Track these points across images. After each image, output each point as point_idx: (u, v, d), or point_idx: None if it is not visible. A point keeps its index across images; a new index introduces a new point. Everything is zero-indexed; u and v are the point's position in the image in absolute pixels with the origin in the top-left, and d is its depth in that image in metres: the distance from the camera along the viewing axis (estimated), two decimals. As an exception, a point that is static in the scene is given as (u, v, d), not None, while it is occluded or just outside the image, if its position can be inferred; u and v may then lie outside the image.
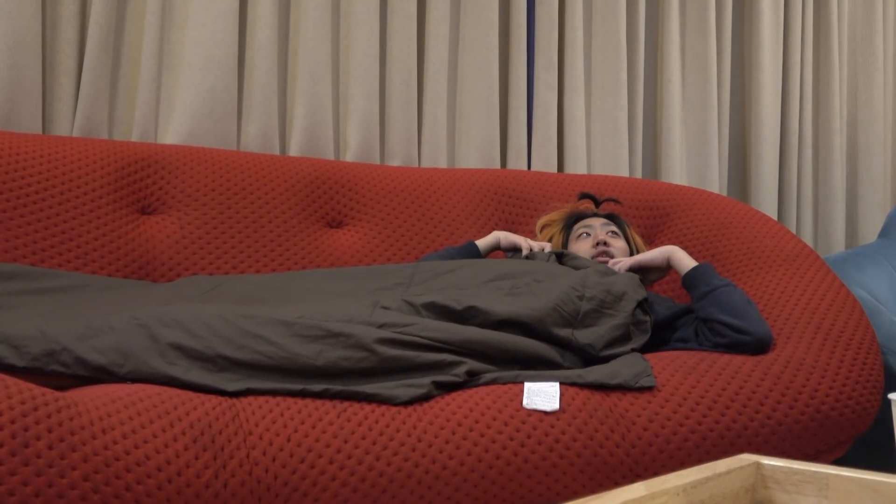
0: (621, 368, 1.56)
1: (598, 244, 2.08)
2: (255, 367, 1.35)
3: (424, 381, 1.40)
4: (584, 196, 2.33)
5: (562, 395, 1.45)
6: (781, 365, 1.63)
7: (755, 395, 1.56)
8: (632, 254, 2.15)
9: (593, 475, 1.40)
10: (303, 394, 1.34)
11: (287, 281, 1.81)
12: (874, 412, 1.67)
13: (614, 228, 2.14)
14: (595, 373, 1.53)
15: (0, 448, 1.06)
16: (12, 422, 1.08)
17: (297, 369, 1.36)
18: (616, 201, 2.35)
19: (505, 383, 1.47)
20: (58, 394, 1.17)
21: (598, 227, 2.14)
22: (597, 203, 2.32)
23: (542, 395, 1.43)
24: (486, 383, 1.47)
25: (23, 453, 1.07)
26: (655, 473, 1.47)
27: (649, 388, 1.51)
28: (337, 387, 1.36)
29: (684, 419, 1.49)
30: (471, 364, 1.47)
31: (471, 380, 1.46)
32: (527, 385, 1.46)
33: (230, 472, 1.19)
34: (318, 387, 1.35)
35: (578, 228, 2.16)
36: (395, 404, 1.36)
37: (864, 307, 2.06)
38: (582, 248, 2.11)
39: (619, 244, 2.11)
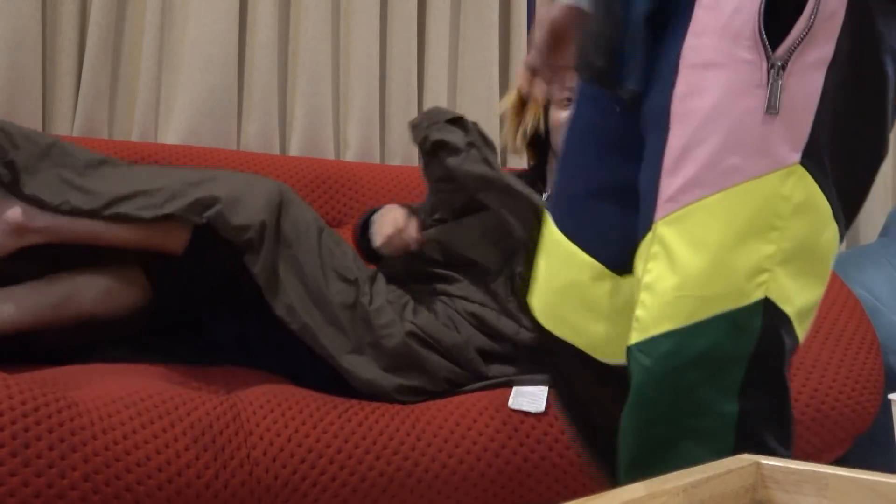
0: None
1: None
2: None
3: None
4: None
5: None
6: (781, 365, 1.63)
7: (755, 395, 1.56)
8: None
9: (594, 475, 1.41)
10: None
11: None
12: (874, 412, 1.67)
13: None
14: None
15: (1, 449, 1.06)
16: (13, 422, 1.08)
17: None
18: None
19: (497, 388, 1.48)
20: (59, 394, 1.17)
21: None
22: None
23: (528, 396, 1.44)
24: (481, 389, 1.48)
25: (23, 454, 1.07)
26: (655, 473, 1.47)
27: None
28: None
29: (684, 419, 1.49)
30: None
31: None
32: (515, 388, 1.46)
33: (230, 473, 1.19)
34: None
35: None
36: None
37: (865, 307, 2.06)
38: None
39: None
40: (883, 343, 1.97)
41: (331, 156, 2.37)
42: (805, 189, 0.80)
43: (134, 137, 2.15)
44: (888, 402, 1.78)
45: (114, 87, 2.16)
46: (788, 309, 0.79)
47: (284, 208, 1.49)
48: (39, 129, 2.06)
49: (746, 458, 0.59)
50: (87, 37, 2.09)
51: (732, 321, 0.77)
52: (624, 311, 0.91)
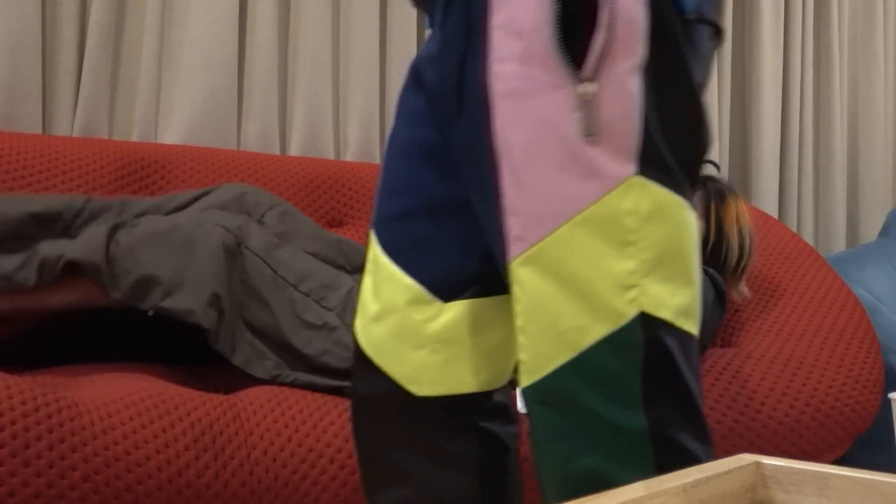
0: None
1: None
2: None
3: None
4: None
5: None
6: (781, 364, 1.63)
7: (756, 395, 1.56)
8: (707, 242, 1.82)
9: (594, 475, 1.40)
10: None
11: None
12: (874, 411, 1.67)
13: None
14: None
15: (1, 449, 1.06)
16: (13, 422, 1.08)
17: None
18: (714, 164, 2.02)
19: None
20: (59, 394, 1.17)
21: None
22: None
23: None
24: None
25: (23, 454, 1.07)
26: (656, 473, 1.47)
27: None
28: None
29: (685, 419, 1.49)
30: None
31: None
32: (518, 390, 1.45)
33: (231, 473, 1.19)
34: None
35: None
36: None
37: (865, 306, 2.06)
38: None
39: None
40: (883, 343, 1.97)
41: (331, 156, 2.37)
42: (649, 196, 0.78)
43: (134, 137, 2.15)
44: (888, 402, 1.78)
45: (114, 87, 2.16)
46: (665, 314, 0.78)
47: (231, 264, 1.43)
48: (40, 129, 2.06)
49: (746, 458, 0.59)
50: (87, 37, 2.09)
51: (614, 343, 0.77)
52: (445, 340, 0.89)
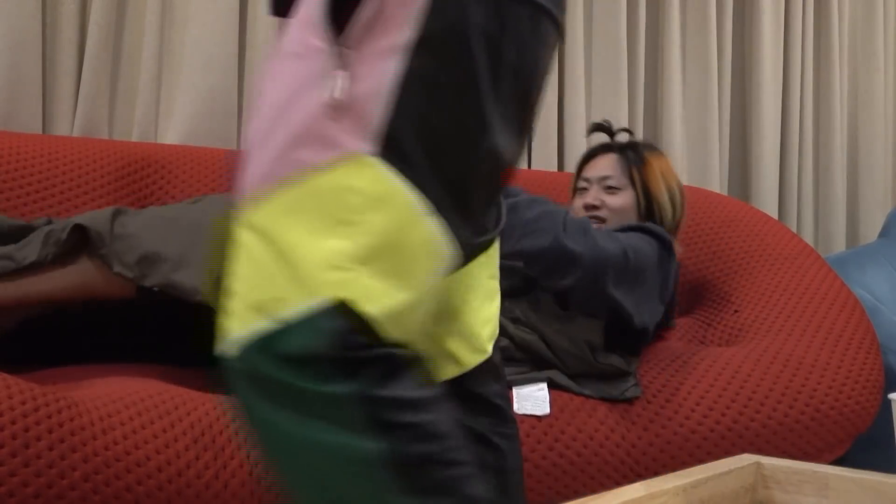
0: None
1: (587, 207, 1.79)
2: None
3: None
4: (595, 128, 1.99)
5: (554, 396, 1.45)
6: (781, 364, 1.63)
7: (755, 395, 1.56)
8: (639, 208, 1.80)
9: (593, 475, 1.40)
10: None
11: None
12: (874, 412, 1.67)
13: (611, 183, 1.81)
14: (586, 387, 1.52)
15: (1, 449, 1.06)
16: (13, 422, 1.08)
17: None
18: (628, 131, 1.98)
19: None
20: (59, 394, 1.17)
21: (595, 183, 1.82)
22: (611, 133, 1.96)
23: (531, 399, 1.43)
24: None
25: (23, 454, 1.07)
26: (656, 473, 1.47)
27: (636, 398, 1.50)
28: None
29: (685, 419, 1.49)
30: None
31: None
32: (515, 391, 1.45)
33: (230, 473, 1.19)
34: None
35: (579, 180, 1.87)
36: None
37: (865, 307, 2.06)
38: (576, 206, 1.84)
39: (616, 202, 1.80)
40: (883, 343, 1.97)
41: (331, 156, 2.37)
42: (380, 181, 0.75)
43: (134, 137, 2.15)
44: (888, 402, 1.78)
45: (114, 87, 2.17)
46: (372, 309, 0.73)
47: None
48: (39, 129, 2.06)
49: (746, 458, 0.59)
50: (87, 37, 2.09)
51: (311, 321, 0.72)
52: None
